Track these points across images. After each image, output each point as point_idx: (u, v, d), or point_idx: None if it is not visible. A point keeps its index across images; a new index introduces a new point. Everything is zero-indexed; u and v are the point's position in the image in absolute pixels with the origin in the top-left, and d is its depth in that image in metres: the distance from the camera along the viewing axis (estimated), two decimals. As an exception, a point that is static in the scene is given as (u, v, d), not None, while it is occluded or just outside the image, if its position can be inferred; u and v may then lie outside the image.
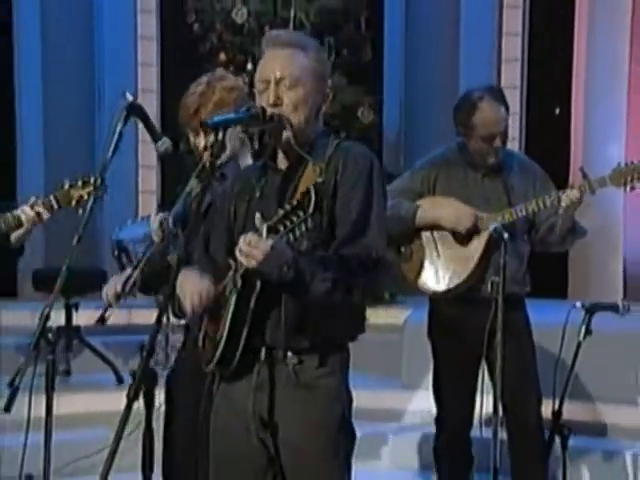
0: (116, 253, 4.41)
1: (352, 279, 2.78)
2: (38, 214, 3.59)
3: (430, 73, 6.61)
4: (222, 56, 6.25)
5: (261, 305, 2.77)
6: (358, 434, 5.38)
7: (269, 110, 2.76)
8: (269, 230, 2.55)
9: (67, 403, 4.89)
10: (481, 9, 6.78)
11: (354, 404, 5.10)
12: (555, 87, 6.87)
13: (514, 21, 6.85)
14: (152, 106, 7.00)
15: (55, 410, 3.85)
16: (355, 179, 2.81)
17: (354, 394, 5.14)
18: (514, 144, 6.70)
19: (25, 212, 3.63)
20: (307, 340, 2.79)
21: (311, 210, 2.55)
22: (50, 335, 3.31)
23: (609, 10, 6.63)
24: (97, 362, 5.54)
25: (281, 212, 2.57)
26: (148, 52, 7.11)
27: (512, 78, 6.84)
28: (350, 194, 2.80)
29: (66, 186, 3.57)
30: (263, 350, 2.81)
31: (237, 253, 2.65)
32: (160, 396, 3.69)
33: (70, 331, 5.70)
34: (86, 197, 3.56)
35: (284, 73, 2.78)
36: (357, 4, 6.39)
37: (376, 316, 5.86)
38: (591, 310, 3.82)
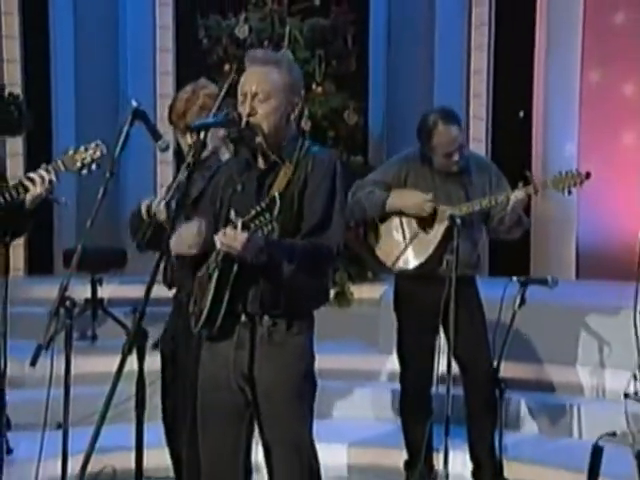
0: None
1: (313, 264, 2.88)
2: (42, 177, 3.52)
3: (408, 81, 6.54)
4: (227, 66, 6.07)
5: (240, 280, 2.85)
6: (339, 391, 5.35)
7: (245, 119, 2.83)
8: (243, 226, 2.66)
9: (94, 363, 5.03)
10: (453, 27, 6.73)
11: (341, 365, 5.28)
12: (517, 94, 6.78)
13: (481, 38, 6.76)
14: (167, 107, 7.22)
15: (83, 369, 4.04)
16: (320, 180, 2.88)
17: (340, 358, 5.34)
18: (481, 145, 6.78)
19: (30, 177, 3.56)
20: (279, 308, 2.88)
21: (275, 215, 2.64)
22: (69, 303, 3.28)
23: (564, 27, 6.61)
24: (118, 329, 5.52)
25: (252, 212, 2.67)
26: (165, 62, 7.08)
27: (479, 86, 6.79)
28: (316, 193, 2.87)
29: (70, 151, 3.54)
30: (243, 316, 2.90)
31: (218, 243, 2.74)
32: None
33: (95, 303, 5.74)
34: (88, 160, 3.53)
35: (258, 89, 2.86)
36: (344, 22, 6.25)
37: (360, 292, 5.98)
38: (524, 283, 3.88)
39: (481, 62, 6.79)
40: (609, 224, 6.45)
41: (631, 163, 6.48)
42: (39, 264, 6.91)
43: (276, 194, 2.68)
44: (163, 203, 3.60)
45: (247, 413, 2.99)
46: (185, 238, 2.91)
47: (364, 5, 6.88)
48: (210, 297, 2.86)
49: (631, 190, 6.39)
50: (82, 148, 3.55)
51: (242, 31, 6.11)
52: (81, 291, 5.59)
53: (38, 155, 6.74)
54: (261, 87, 2.86)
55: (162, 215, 3.53)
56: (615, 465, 3.66)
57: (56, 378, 3.35)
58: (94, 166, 3.53)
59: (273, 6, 6.20)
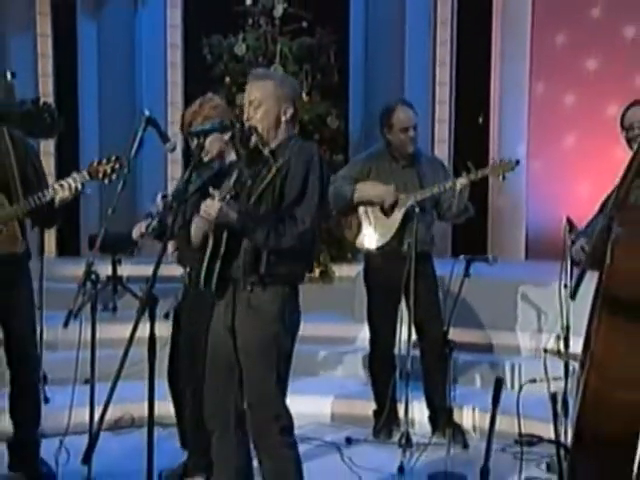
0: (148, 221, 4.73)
1: (286, 232, 2.87)
2: (69, 185, 3.50)
3: (382, 91, 6.44)
4: (227, 79, 6.16)
5: (229, 251, 2.91)
6: (323, 354, 5.31)
7: (245, 123, 2.95)
8: (222, 199, 2.81)
9: (115, 330, 4.94)
10: (421, 46, 6.77)
11: (324, 333, 5.27)
12: (476, 103, 6.83)
13: (444, 54, 6.83)
14: (177, 115, 6.77)
15: (106, 335, 3.93)
16: (297, 167, 2.92)
17: (323, 326, 5.31)
18: (445, 145, 6.75)
19: (61, 183, 3.53)
20: (256, 276, 2.89)
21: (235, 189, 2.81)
22: (94, 276, 3.32)
23: (515, 46, 6.68)
24: (135, 301, 5.41)
25: (224, 192, 2.81)
26: (174, 75, 7.12)
27: (443, 95, 6.82)
28: (294, 176, 2.91)
29: (95, 163, 3.53)
30: (231, 280, 2.95)
31: (201, 211, 2.84)
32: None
33: (115, 279, 5.76)
34: (109, 171, 3.52)
35: (253, 97, 2.97)
36: (328, 41, 6.26)
37: (340, 271, 5.94)
38: (469, 261, 3.92)
39: (445, 75, 6.84)
40: (553, 212, 6.30)
41: (571, 161, 6.47)
42: (68, 247, 6.92)
43: (264, 178, 2.82)
44: (160, 196, 3.69)
45: (237, 366, 2.98)
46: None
47: (345, 26, 6.83)
48: (206, 262, 2.91)
49: (571, 183, 6.40)
50: (104, 160, 3.54)
51: (240, 49, 6.11)
52: (104, 269, 5.50)
53: (66, 154, 6.86)
54: (255, 96, 2.96)
55: (159, 207, 3.63)
56: (534, 408, 3.67)
57: (83, 342, 3.41)
58: (114, 176, 3.52)
59: (267, 27, 6.15)
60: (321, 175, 2.94)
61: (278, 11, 6.11)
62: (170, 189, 6.52)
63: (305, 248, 2.96)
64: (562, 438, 3.44)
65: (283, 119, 2.97)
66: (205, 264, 2.92)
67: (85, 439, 3.46)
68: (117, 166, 3.54)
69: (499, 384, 2.38)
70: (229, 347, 2.98)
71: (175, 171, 7.05)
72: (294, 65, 6.08)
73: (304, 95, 6.01)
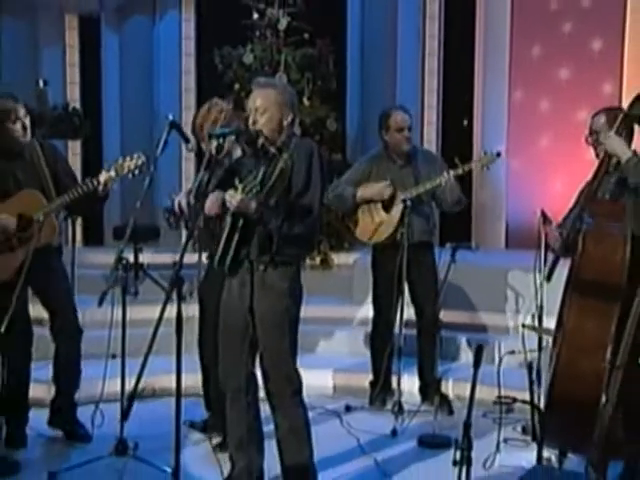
0: (165, 215, 4.81)
1: (297, 218, 2.99)
2: (105, 177, 3.62)
3: (377, 96, 6.47)
4: (237, 86, 6.12)
5: (245, 234, 2.99)
6: (324, 333, 5.32)
7: (251, 127, 3.03)
8: (242, 190, 2.91)
9: (136, 312, 4.73)
10: (411, 57, 6.71)
11: (324, 314, 5.31)
12: (462, 107, 6.75)
13: (433, 65, 6.75)
14: (190, 117, 7.07)
15: (129, 316, 3.81)
16: (301, 162, 3.00)
17: (324, 308, 5.37)
18: (432, 146, 6.60)
19: (98, 178, 3.63)
20: (268, 257, 2.99)
21: (259, 184, 2.90)
22: (124, 261, 3.50)
23: (495, 56, 6.58)
24: (155, 286, 5.41)
25: (247, 182, 2.91)
26: (188, 82, 7.06)
27: (431, 101, 6.74)
28: (298, 171, 3.00)
29: (120, 160, 3.60)
30: (246, 261, 3.04)
31: (226, 201, 2.94)
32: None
33: (137, 266, 5.68)
34: (132, 167, 3.59)
35: (257, 104, 3.03)
36: (327, 51, 6.22)
37: (339, 259, 5.90)
38: (454, 248, 4.04)
39: (433, 83, 6.76)
40: (530, 206, 6.03)
41: (546, 160, 6.44)
42: (93, 237, 6.91)
43: (272, 173, 2.91)
44: (183, 193, 3.79)
45: (249, 332, 3.09)
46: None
47: (342, 38, 6.79)
48: (222, 244, 3.00)
49: (546, 180, 6.37)
50: (128, 157, 3.62)
51: (248, 58, 6.12)
52: (125, 257, 5.47)
53: (92, 155, 6.84)
54: (260, 103, 3.02)
55: (183, 200, 3.72)
56: (512, 377, 3.76)
57: (109, 322, 3.56)
58: (137, 172, 3.61)
59: (272, 39, 6.15)
60: (321, 166, 3.04)
61: (282, 24, 6.12)
62: (186, 185, 6.50)
63: (310, 233, 3.08)
64: (536, 402, 3.55)
65: (285, 123, 3.05)
66: (221, 247, 3.02)
67: (114, 407, 3.66)
68: (139, 162, 3.63)
69: (480, 349, 2.53)
70: (242, 319, 3.07)
71: (188, 169, 7.07)
72: (297, 73, 6.09)
73: (306, 100, 6.04)
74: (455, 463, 2.55)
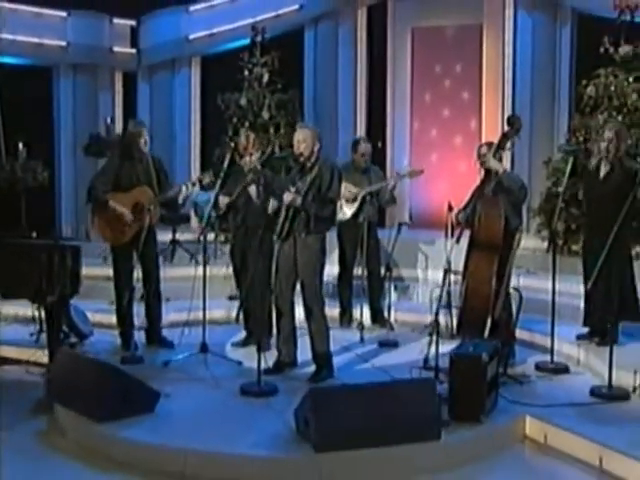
0: (193, 208, 5.28)
1: (325, 204, 3.40)
2: (181, 189, 3.97)
3: (326, 126, 6.46)
4: (234, 119, 6.32)
5: (293, 217, 3.42)
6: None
7: (296, 152, 3.44)
8: (296, 191, 3.39)
9: (173, 272, 5.21)
10: (347, 98, 6.92)
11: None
12: (378, 133, 6.90)
13: (361, 105, 6.94)
14: (198, 140, 7.47)
15: (168, 274, 4.34)
16: (327, 172, 3.44)
17: None
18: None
19: (180, 188, 3.96)
20: (307, 230, 3.43)
21: (303, 189, 3.31)
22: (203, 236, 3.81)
23: (400, 99, 6.83)
24: (186, 255, 5.66)
25: (296, 188, 3.32)
26: (195, 118, 7.53)
27: (360, 129, 6.95)
28: (325, 178, 3.41)
29: (198, 175, 4.06)
30: (296, 233, 3.47)
31: (284, 198, 3.42)
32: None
33: (174, 241, 5.94)
34: (208, 181, 4.02)
35: (300, 138, 3.45)
36: (294, 96, 6.48)
37: None
38: (400, 225, 4.52)
39: (361, 117, 7.05)
40: (425, 199, 6.66)
41: (435, 170, 6.62)
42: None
43: (307, 179, 3.32)
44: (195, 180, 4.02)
45: (292, 274, 3.50)
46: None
47: (302, 87, 7.01)
48: (280, 223, 3.47)
49: (435, 183, 6.63)
50: (205, 173, 4.07)
51: (242, 101, 6.34)
52: (165, 235, 5.68)
53: None
54: (302, 137, 3.45)
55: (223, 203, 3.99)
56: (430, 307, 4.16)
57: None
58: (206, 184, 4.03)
59: (258, 88, 6.42)
60: (339, 176, 3.52)
61: (265, 78, 6.43)
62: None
63: (332, 215, 3.56)
64: (449, 322, 4.12)
65: (315, 149, 3.51)
66: (279, 226, 3.49)
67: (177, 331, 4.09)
68: (205, 180, 4.03)
69: (389, 268, 3.46)
70: (291, 267, 3.52)
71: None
72: (275, 111, 6.31)
73: (282, 129, 6.25)
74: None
